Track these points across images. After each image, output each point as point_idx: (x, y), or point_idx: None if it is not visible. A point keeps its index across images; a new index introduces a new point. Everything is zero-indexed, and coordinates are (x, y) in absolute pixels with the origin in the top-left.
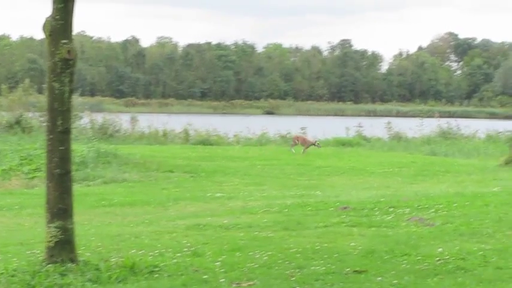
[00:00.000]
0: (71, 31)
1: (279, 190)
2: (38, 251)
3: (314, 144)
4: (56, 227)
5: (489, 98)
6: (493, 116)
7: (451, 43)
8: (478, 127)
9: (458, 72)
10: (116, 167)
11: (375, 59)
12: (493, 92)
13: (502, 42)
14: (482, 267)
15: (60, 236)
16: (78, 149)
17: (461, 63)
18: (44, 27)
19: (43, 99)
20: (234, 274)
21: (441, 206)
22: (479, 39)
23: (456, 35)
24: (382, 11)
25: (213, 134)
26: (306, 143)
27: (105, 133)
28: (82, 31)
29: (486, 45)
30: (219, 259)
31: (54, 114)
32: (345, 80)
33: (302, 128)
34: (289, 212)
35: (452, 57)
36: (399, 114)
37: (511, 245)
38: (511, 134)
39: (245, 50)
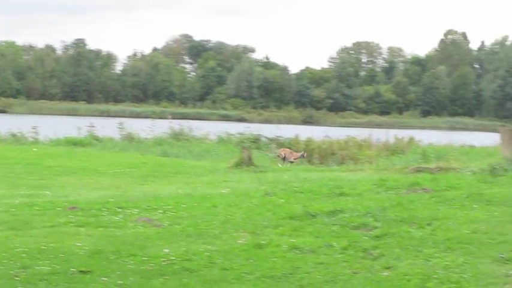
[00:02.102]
0: None
1: (8, 189)
2: None
3: (303, 156)
4: None
5: (222, 101)
6: (225, 118)
7: (186, 45)
8: (210, 129)
9: (193, 74)
10: None
11: (110, 59)
12: (226, 94)
13: (236, 45)
14: (207, 268)
15: None
16: None
17: (195, 65)
18: None
19: None
20: None
21: (170, 207)
22: (213, 41)
23: (191, 37)
24: (115, 11)
25: None
26: (292, 156)
27: None
28: None
29: (220, 47)
30: None
31: None
32: (79, 80)
33: (33, 127)
34: (16, 212)
35: (187, 59)
36: (132, 115)
37: (237, 246)
38: (242, 137)
39: None
